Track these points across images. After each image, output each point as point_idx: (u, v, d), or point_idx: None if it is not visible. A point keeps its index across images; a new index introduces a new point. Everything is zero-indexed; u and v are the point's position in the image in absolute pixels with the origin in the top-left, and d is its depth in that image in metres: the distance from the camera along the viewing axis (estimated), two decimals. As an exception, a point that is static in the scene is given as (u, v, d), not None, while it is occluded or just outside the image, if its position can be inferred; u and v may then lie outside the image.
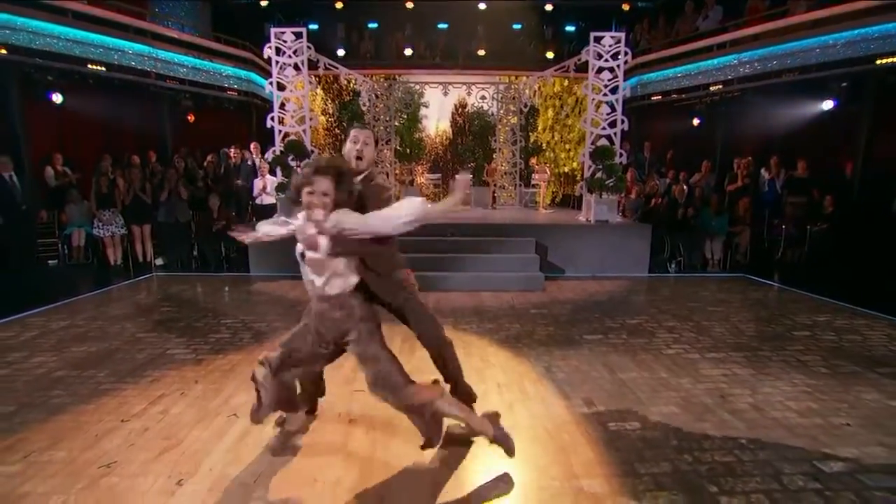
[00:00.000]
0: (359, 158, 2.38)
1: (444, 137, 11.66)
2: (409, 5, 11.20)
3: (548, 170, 9.36)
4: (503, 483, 2.13)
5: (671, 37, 10.20)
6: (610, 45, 6.85)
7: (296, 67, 6.97)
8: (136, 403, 2.82)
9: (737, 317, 4.67)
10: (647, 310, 4.92)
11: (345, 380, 3.13)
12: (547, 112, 11.10)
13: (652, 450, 2.37)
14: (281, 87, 6.99)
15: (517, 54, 11.20)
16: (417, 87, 10.70)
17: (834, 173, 7.50)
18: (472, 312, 4.75)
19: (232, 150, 8.56)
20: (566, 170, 10.86)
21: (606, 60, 6.88)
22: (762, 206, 7.72)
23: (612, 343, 3.90)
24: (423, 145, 11.54)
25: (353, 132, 2.42)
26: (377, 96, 9.90)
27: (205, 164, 8.58)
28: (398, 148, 10.73)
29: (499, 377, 3.19)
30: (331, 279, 2.06)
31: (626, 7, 11.41)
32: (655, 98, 10.00)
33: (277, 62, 6.91)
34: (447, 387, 2.43)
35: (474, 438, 2.34)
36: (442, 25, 11.76)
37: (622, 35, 6.96)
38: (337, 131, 11.14)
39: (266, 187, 7.43)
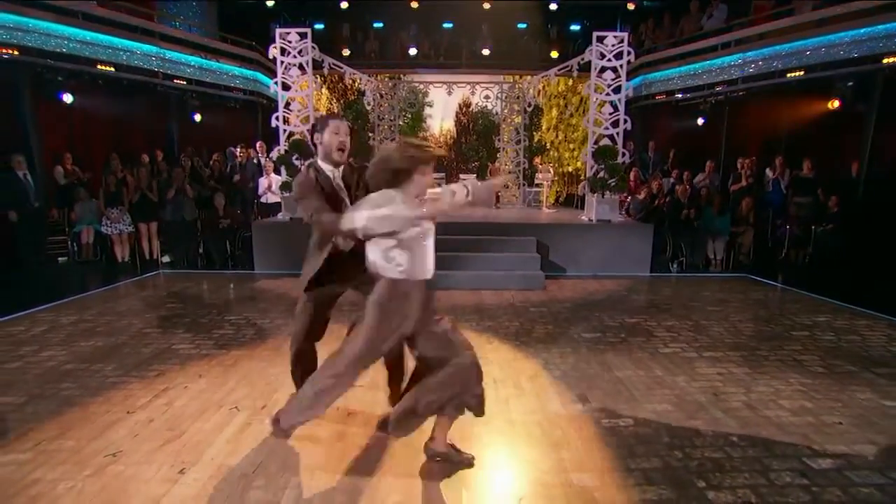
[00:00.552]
0: (341, 150, 2.37)
1: (449, 137, 11.72)
2: (415, 5, 11.26)
3: (551, 169, 9.38)
4: (496, 476, 2.18)
5: (676, 36, 10.17)
6: (613, 45, 6.86)
7: (300, 67, 7.05)
8: (141, 396, 2.90)
9: (736, 316, 4.68)
10: (647, 309, 4.94)
11: (344, 375, 3.20)
12: (551, 111, 11.12)
13: (643, 446, 2.41)
14: (286, 87, 7.08)
15: (521, 54, 11.23)
16: (422, 86, 10.76)
17: (840, 173, 7.46)
18: (473, 310, 4.80)
19: (238, 149, 8.67)
20: (570, 169, 10.87)
21: (609, 60, 6.89)
22: (766, 206, 7.69)
23: (610, 342, 3.94)
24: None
25: (333, 123, 2.37)
26: (382, 96, 9.97)
27: (211, 162, 8.69)
28: (402, 147, 10.78)
29: (495, 373, 3.23)
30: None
31: (631, 6, 11.39)
32: (660, 97, 9.97)
33: (282, 62, 6.99)
34: None
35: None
36: (447, 25, 11.81)
37: (625, 35, 6.96)
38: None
39: (271, 186, 7.53)
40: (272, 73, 7.80)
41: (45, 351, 3.63)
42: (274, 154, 7.14)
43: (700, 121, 9.44)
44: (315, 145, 2.42)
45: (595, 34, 6.94)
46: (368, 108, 10.25)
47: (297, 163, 6.79)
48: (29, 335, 3.99)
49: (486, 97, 9.95)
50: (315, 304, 2.47)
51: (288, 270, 6.22)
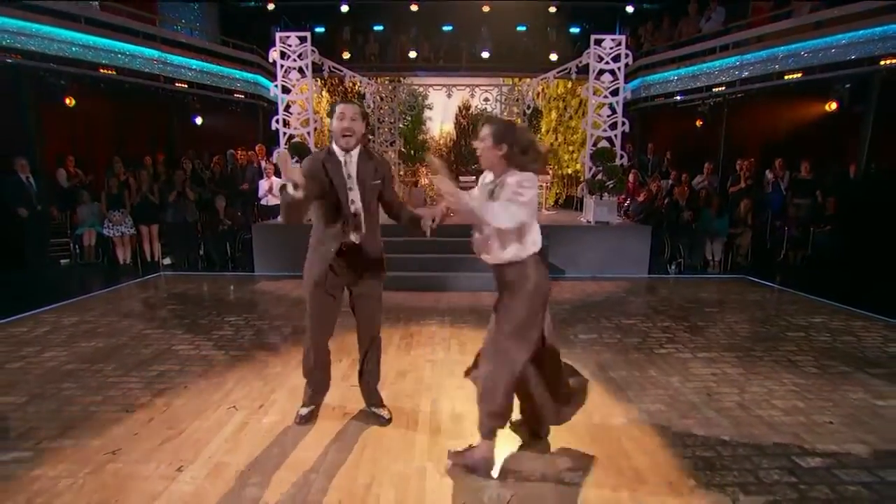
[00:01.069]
0: (348, 135, 2.28)
1: (448, 139, 11.76)
2: (414, 8, 11.33)
3: (550, 171, 9.41)
4: (486, 472, 2.21)
5: (674, 38, 10.21)
6: (611, 48, 6.90)
7: (300, 71, 7.11)
8: (140, 396, 2.95)
9: (732, 318, 4.70)
10: (644, 310, 4.97)
11: (342, 375, 3.24)
12: (550, 114, 11.16)
13: (634, 445, 2.44)
14: (286, 90, 7.14)
15: (521, 56, 11.28)
16: (421, 89, 10.81)
17: (838, 175, 7.48)
18: (469, 311, 4.83)
19: (238, 151, 8.74)
20: (569, 171, 10.90)
21: (607, 63, 6.93)
22: (765, 208, 7.71)
23: (606, 343, 3.97)
24: (427, 147, 11.66)
25: (339, 108, 2.29)
26: (382, 98, 10.03)
27: (211, 165, 8.76)
28: (402, 149, 10.85)
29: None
30: None
31: (630, 9, 11.44)
32: (659, 100, 10.01)
33: (282, 66, 7.05)
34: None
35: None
36: (447, 28, 11.87)
37: (623, 38, 7.01)
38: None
39: (272, 188, 7.58)
40: (273, 77, 7.87)
41: (46, 351, 3.67)
42: (274, 156, 7.19)
43: (699, 123, 9.47)
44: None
45: (593, 37, 6.99)
46: (368, 110, 10.30)
47: (296, 165, 6.84)
48: (31, 336, 4.04)
49: (486, 100, 9.99)
50: (320, 301, 2.47)
51: (288, 272, 6.27)
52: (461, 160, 11.62)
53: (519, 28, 11.68)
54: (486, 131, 2.09)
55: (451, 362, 3.52)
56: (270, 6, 11.33)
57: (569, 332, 4.25)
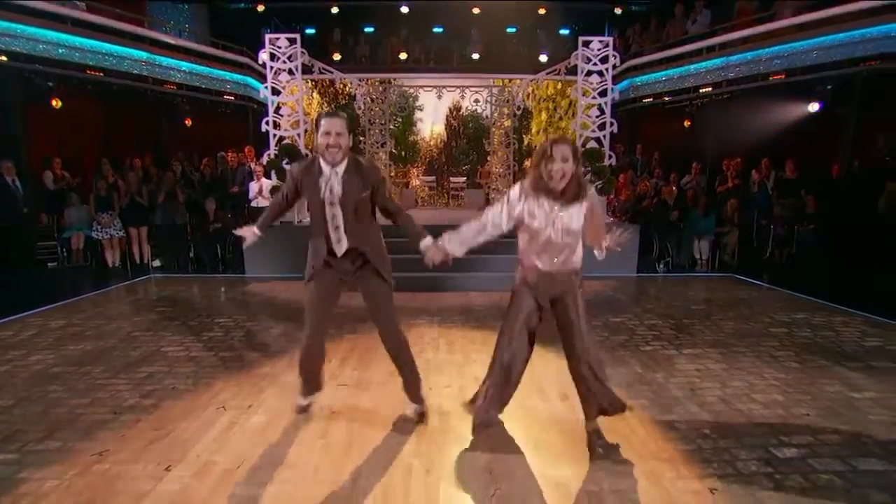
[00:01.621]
0: (334, 150, 2.26)
1: (439, 140, 11.80)
2: (405, 10, 11.37)
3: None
4: (472, 469, 2.25)
5: (662, 40, 10.34)
6: (598, 49, 6.99)
7: (290, 72, 7.11)
8: (129, 397, 2.95)
9: (718, 315, 4.78)
10: (632, 308, 5.04)
11: (330, 375, 3.25)
12: (541, 115, 11.23)
13: (618, 439, 2.48)
14: (275, 92, 7.14)
15: (511, 58, 11.37)
16: (412, 90, 10.84)
17: (821, 174, 7.63)
18: (460, 311, 4.87)
19: (229, 153, 8.71)
20: (559, 171, 10.99)
21: (595, 64, 7.01)
22: (752, 207, 7.84)
23: (593, 340, 4.01)
24: (418, 148, 11.68)
25: (324, 122, 2.26)
26: (372, 100, 10.04)
27: (201, 167, 8.72)
28: (393, 151, 10.85)
29: (477, 372, 3.29)
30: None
31: (618, 11, 11.57)
32: (647, 100, 10.14)
33: (272, 67, 7.05)
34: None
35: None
36: (437, 29, 11.93)
37: (610, 39, 7.10)
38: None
39: (262, 190, 7.57)
40: (263, 78, 7.87)
41: (33, 355, 3.65)
42: (264, 158, 7.19)
43: (686, 123, 9.61)
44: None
45: (581, 38, 7.07)
46: (359, 112, 10.32)
47: (286, 167, 6.84)
48: (17, 339, 4.01)
49: (476, 101, 10.04)
50: (315, 292, 2.49)
51: (278, 274, 6.27)
52: (452, 161, 11.65)
53: (509, 30, 11.77)
54: (567, 151, 2.13)
55: (440, 361, 3.56)
56: (260, 8, 11.32)
57: (556, 330, 4.29)
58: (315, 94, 11.03)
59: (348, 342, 3.90)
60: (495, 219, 2.28)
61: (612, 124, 6.99)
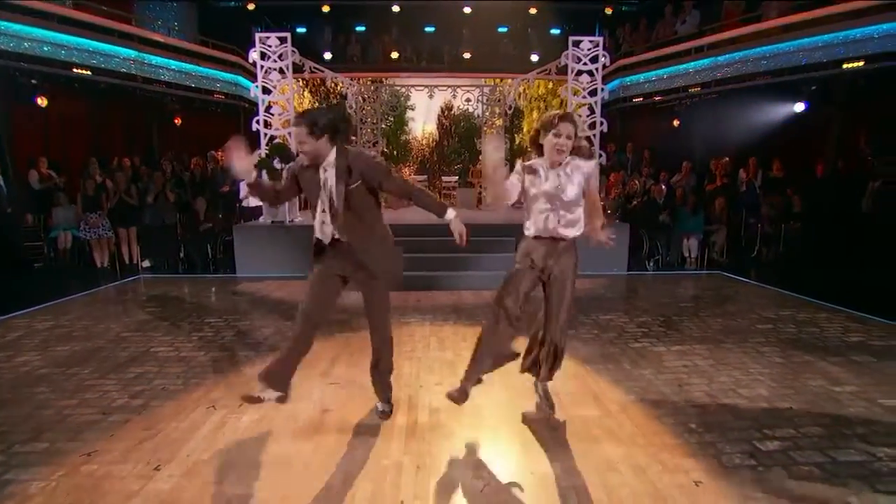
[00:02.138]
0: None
1: (431, 139, 11.81)
2: (396, 9, 11.36)
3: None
4: (462, 466, 2.27)
5: (651, 40, 10.44)
6: (589, 49, 7.04)
7: (281, 71, 7.08)
8: (117, 398, 2.93)
9: (706, 312, 4.84)
10: (621, 306, 5.09)
11: (321, 372, 3.27)
12: (532, 114, 11.29)
13: (605, 435, 2.52)
14: (266, 91, 7.11)
15: (502, 57, 11.40)
16: (403, 89, 10.84)
17: (807, 173, 7.75)
18: (451, 309, 4.89)
19: (219, 153, 8.64)
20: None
21: (585, 64, 7.07)
22: (740, 206, 7.95)
23: (583, 338, 4.06)
24: (409, 147, 11.68)
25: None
26: (364, 99, 10.02)
27: (192, 167, 8.65)
28: (385, 150, 10.85)
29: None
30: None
31: (608, 11, 11.65)
32: (637, 100, 10.23)
33: (262, 66, 7.02)
34: None
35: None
36: (428, 28, 11.92)
37: (600, 39, 7.17)
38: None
39: (252, 189, 7.52)
40: (253, 77, 7.83)
41: (19, 356, 3.61)
42: (255, 158, 7.14)
43: (676, 122, 9.71)
44: None
45: (571, 38, 7.13)
46: (351, 111, 10.29)
47: (278, 166, 6.81)
48: (2, 341, 3.96)
49: (468, 100, 10.05)
50: (314, 277, 2.48)
51: (270, 273, 6.25)
52: (444, 160, 11.67)
53: (500, 29, 11.79)
54: (570, 129, 2.33)
55: (430, 359, 3.58)
56: (251, 6, 11.24)
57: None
58: (306, 93, 10.99)
59: (340, 341, 3.90)
60: (512, 183, 2.46)
61: (602, 123, 7.06)
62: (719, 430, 2.54)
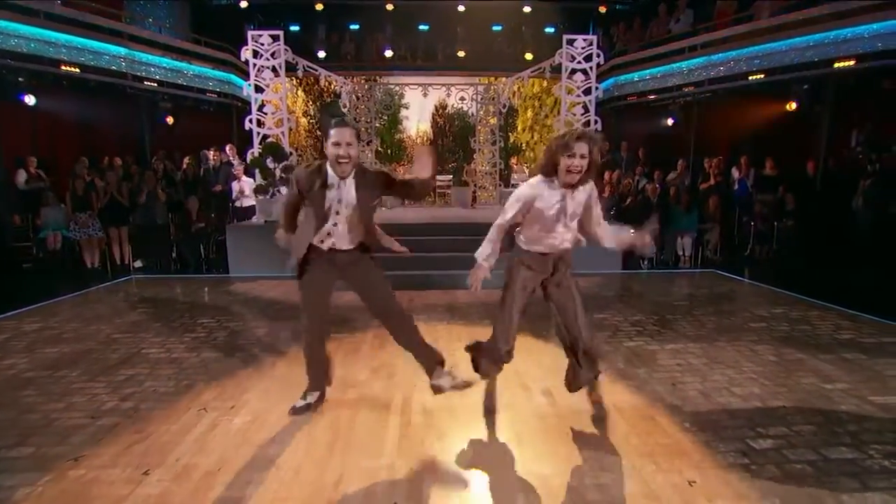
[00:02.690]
0: (344, 162, 2.24)
1: (425, 138, 11.79)
2: (390, 7, 11.31)
3: (527, 170, 9.54)
4: (456, 467, 2.25)
5: (645, 39, 10.46)
6: (582, 48, 7.04)
7: (273, 70, 7.03)
8: (107, 401, 2.88)
9: (700, 310, 4.86)
10: (616, 305, 5.10)
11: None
12: (526, 113, 11.30)
13: (599, 435, 2.52)
14: (259, 90, 7.05)
15: (496, 56, 11.38)
16: (398, 88, 10.80)
17: (799, 171, 7.81)
18: (445, 309, 4.87)
19: (211, 151, 8.58)
20: (545, 169, 11.07)
21: (579, 63, 7.07)
22: (733, 204, 7.99)
23: (577, 336, 4.05)
24: (403, 146, 11.66)
25: (334, 133, 2.22)
26: (358, 98, 9.98)
27: (184, 166, 8.57)
28: (379, 149, 10.82)
29: (462, 369, 3.30)
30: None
31: (602, 10, 11.67)
32: (631, 99, 10.25)
33: (255, 65, 6.96)
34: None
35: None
36: (422, 27, 11.88)
37: (594, 38, 7.17)
38: (318, 133, 11.18)
39: (244, 190, 7.47)
40: (246, 76, 7.77)
41: (6, 359, 3.55)
42: (248, 157, 7.09)
43: (670, 121, 9.74)
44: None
45: (565, 37, 7.13)
46: (344, 109, 10.25)
47: (270, 166, 6.77)
48: (-10, 343, 3.90)
49: (462, 99, 10.05)
50: (310, 286, 2.50)
51: (263, 273, 6.20)
52: (438, 159, 11.64)
53: (494, 28, 11.77)
54: (585, 148, 2.20)
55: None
56: (243, 4, 11.14)
57: (540, 326, 4.30)
58: (300, 92, 10.93)
59: (331, 342, 3.84)
60: (493, 235, 2.48)
61: (596, 122, 7.06)
62: (713, 429, 2.54)
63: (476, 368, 2.73)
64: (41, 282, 6.30)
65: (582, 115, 7.16)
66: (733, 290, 5.78)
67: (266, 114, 7.11)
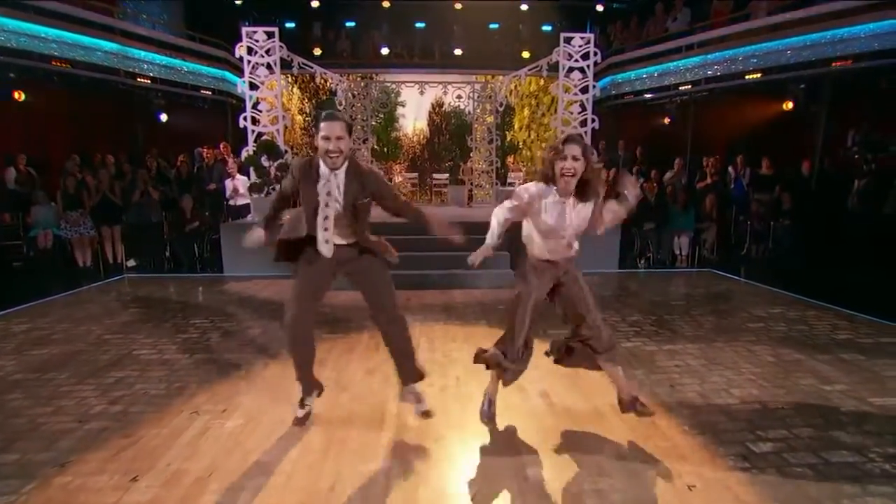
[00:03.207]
0: (334, 156, 2.23)
1: (422, 137, 11.73)
2: (386, 4, 11.24)
3: (523, 168, 9.50)
4: (452, 472, 2.21)
5: (642, 38, 10.44)
6: (580, 46, 7.00)
7: (268, 67, 6.95)
8: (95, 404, 2.82)
9: (697, 310, 4.84)
10: (613, 304, 5.07)
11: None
12: (523, 111, 11.26)
13: (598, 439, 2.48)
14: (253, 87, 6.97)
15: (493, 54, 11.33)
16: (394, 86, 10.73)
17: (795, 171, 7.81)
18: (441, 309, 4.83)
19: (205, 150, 8.49)
20: (542, 168, 11.04)
21: (577, 61, 7.03)
22: (730, 203, 7.98)
23: (575, 337, 4.02)
24: (400, 144, 11.59)
25: (324, 126, 2.22)
26: (354, 95, 9.89)
27: (178, 164, 8.48)
28: (375, 147, 10.75)
29: (459, 372, 3.28)
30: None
31: (600, 8, 11.63)
32: (628, 97, 10.23)
33: (249, 62, 6.88)
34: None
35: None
36: (419, 25, 11.81)
37: (591, 36, 7.13)
38: (314, 131, 11.10)
39: (239, 188, 7.40)
40: (241, 73, 7.68)
41: (-7, 361, 3.48)
42: (242, 155, 7.01)
43: (667, 120, 9.73)
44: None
45: (562, 35, 7.08)
46: (340, 108, 10.16)
47: (265, 164, 6.70)
48: (-23, 345, 3.82)
49: (459, 97, 9.96)
50: (303, 277, 2.42)
51: (258, 273, 6.13)
52: (434, 158, 11.59)
53: (491, 26, 11.72)
54: (577, 150, 2.19)
55: (420, 361, 3.50)
56: (238, 0, 11.03)
57: (539, 327, 4.28)
58: (295, 90, 10.84)
59: (325, 343, 3.82)
60: (499, 216, 2.41)
61: (593, 121, 7.03)
62: (712, 432, 2.52)
63: (499, 377, 2.60)
64: (32, 281, 6.20)
65: (579, 113, 7.13)
66: (730, 290, 5.77)
67: (261, 111, 7.03)
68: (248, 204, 7.12)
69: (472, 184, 9.93)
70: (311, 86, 11.11)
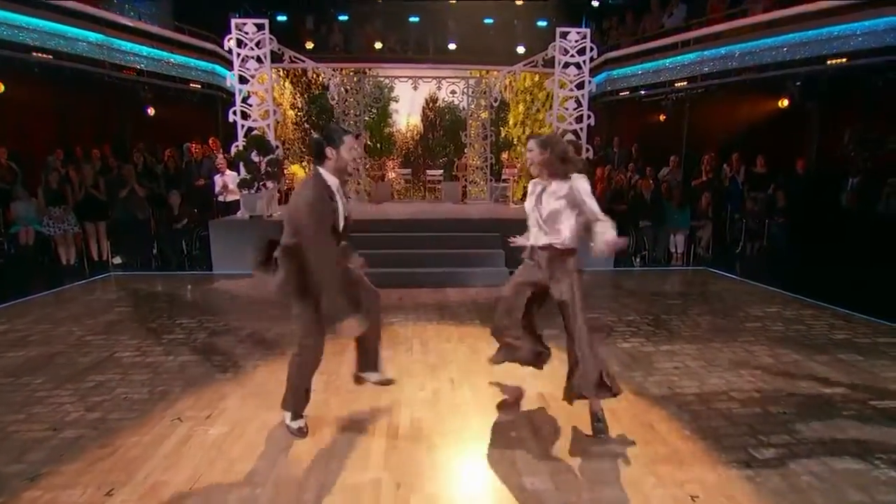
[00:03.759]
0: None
1: (415, 132, 11.59)
2: (380, -2, 11.06)
3: (518, 164, 9.40)
4: (445, 482, 2.12)
5: (638, 34, 10.36)
6: (576, 41, 6.90)
7: (258, 60, 6.77)
8: (72, 411, 2.69)
9: (694, 310, 4.79)
10: (609, 304, 5.00)
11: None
12: (518, 107, 11.15)
13: (597, 446, 2.40)
14: (243, 80, 6.79)
15: (488, 49, 11.20)
16: (387, 81, 10.57)
17: (790, 169, 7.78)
18: (435, 308, 4.74)
19: (193, 145, 8.30)
20: (537, 165, 10.95)
21: (572, 56, 6.93)
22: (725, 201, 7.94)
23: (571, 337, 3.94)
24: (393, 140, 11.45)
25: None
26: (346, 90, 9.73)
27: (165, 159, 8.28)
28: (369, 143, 10.60)
29: (452, 374, 3.19)
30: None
31: (595, 3, 11.53)
32: (623, 94, 10.15)
33: (239, 54, 6.70)
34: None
35: None
36: (413, 19, 11.64)
37: (587, 31, 7.03)
38: (306, 125, 10.91)
39: (228, 184, 7.23)
40: (230, 66, 7.49)
41: (-33, 364, 3.33)
42: (232, 150, 6.84)
43: (662, 117, 9.67)
44: (323, 156, 2.26)
45: (558, 30, 6.98)
46: (333, 103, 9.99)
47: (255, 159, 6.54)
48: (-50, 347, 3.66)
49: (453, 92, 9.85)
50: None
51: (247, 271, 5.97)
52: (428, 153, 11.46)
53: (486, 21, 11.58)
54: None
55: (413, 363, 3.41)
56: (228, -9, 10.78)
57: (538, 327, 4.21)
58: (287, 84, 10.64)
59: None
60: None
61: (589, 117, 6.94)
62: (713, 438, 2.45)
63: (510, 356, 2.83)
64: (13, 279, 6.00)
65: (574, 109, 7.04)
66: (726, 289, 5.72)
67: (251, 105, 6.86)
68: (238, 200, 6.95)
69: (466, 180, 9.84)
70: (303, 80, 10.91)
